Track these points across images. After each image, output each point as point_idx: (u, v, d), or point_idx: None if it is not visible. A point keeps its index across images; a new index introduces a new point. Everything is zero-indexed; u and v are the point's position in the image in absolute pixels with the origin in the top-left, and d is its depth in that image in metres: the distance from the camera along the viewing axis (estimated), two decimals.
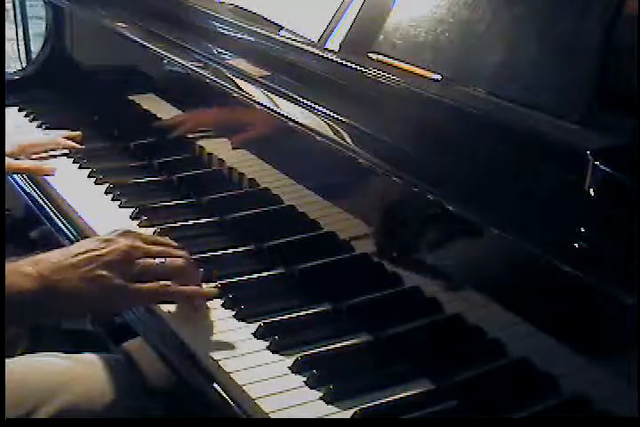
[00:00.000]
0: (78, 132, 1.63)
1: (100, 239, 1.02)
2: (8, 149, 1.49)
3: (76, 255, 0.97)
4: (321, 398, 0.89)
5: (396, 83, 1.07)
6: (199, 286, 1.06)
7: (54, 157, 1.56)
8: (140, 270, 0.99)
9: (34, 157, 1.55)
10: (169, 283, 1.00)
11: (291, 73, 1.23)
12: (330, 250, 1.12)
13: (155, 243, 1.04)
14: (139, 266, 0.99)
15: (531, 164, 0.89)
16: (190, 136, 1.49)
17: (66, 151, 1.58)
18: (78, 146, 1.59)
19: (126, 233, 1.03)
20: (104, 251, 0.98)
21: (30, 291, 0.93)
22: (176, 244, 1.08)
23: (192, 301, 1.05)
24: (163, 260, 1.01)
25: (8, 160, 1.47)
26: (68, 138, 1.60)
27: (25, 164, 1.51)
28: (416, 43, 1.10)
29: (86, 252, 0.98)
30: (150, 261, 1.00)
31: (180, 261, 1.02)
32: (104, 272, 0.96)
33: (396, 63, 1.12)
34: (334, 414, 0.87)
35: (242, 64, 1.34)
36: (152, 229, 1.25)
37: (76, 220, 1.33)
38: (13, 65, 2.76)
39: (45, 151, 1.57)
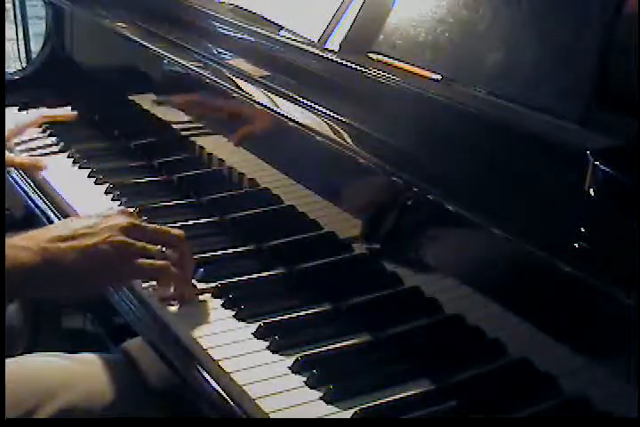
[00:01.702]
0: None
1: (98, 215, 1.02)
2: None
3: (75, 229, 0.97)
4: (321, 398, 0.89)
5: (395, 83, 1.07)
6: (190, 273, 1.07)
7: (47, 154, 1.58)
8: (138, 248, 0.99)
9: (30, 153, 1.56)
10: (166, 264, 1.01)
11: (291, 73, 1.23)
12: (330, 250, 1.12)
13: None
14: (138, 244, 0.99)
15: (531, 164, 0.89)
16: (190, 136, 1.49)
17: (55, 149, 1.58)
18: (58, 115, 1.62)
19: (123, 211, 1.04)
20: (103, 226, 0.98)
21: (31, 263, 0.93)
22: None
23: (181, 288, 1.06)
24: (162, 248, 1.02)
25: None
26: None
27: (17, 159, 1.51)
28: (416, 43, 1.10)
29: (85, 226, 0.98)
30: (150, 246, 1.01)
31: (175, 255, 1.03)
32: (104, 246, 0.96)
33: (396, 63, 1.12)
34: (334, 414, 0.87)
35: (242, 64, 1.34)
36: None
37: None
38: (13, 65, 2.76)
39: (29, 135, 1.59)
